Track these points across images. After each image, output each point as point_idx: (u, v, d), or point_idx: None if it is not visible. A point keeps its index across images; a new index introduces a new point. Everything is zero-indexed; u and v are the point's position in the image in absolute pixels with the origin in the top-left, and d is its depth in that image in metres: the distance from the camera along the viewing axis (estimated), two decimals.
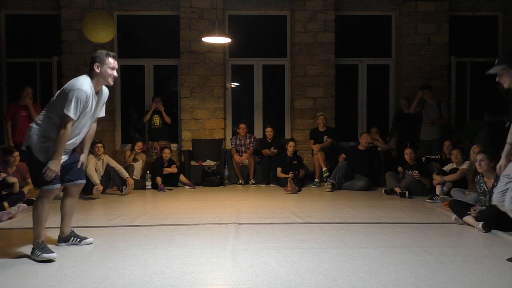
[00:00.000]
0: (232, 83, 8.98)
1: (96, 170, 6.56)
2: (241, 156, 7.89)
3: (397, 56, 8.80)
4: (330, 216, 5.01)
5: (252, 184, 7.78)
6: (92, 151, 6.69)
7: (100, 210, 5.63)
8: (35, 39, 8.74)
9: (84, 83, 3.33)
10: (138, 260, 3.35)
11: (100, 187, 6.39)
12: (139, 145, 7.46)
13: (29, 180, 5.97)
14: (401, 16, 8.58)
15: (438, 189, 6.08)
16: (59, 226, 3.80)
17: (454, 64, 8.33)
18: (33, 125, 3.42)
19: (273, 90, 9.05)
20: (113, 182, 6.82)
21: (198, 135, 8.51)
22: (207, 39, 7.37)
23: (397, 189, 6.49)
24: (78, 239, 3.80)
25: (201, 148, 8.36)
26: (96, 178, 6.40)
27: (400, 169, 6.80)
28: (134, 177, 7.23)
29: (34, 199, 5.76)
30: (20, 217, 5.01)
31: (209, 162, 8.04)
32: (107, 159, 6.84)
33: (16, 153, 5.84)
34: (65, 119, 3.28)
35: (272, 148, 7.91)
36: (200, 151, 8.33)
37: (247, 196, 6.79)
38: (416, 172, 6.45)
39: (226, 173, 7.77)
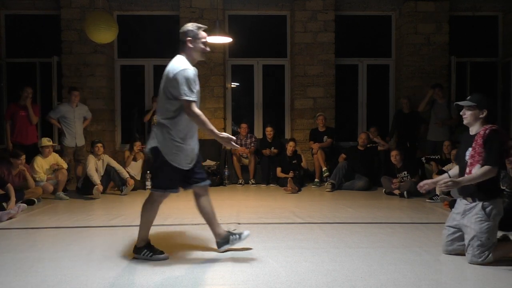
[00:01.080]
0: (232, 83, 8.98)
1: (96, 170, 6.56)
2: (241, 155, 7.87)
3: (397, 56, 8.80)
4: (330, 216, 5.01)
5: (252, 184, 7.77)
6: (92, 151, 6.72)
7: (100, 210, 5.64)
8: (35, 39, 8.74)
9: (183, 63, 3.20)
10: (138, 260, 3.35)
11: (100, 187, 6.39)
12: (137, 145, 7.44)
13: (31, 182, 5.97)
14: (401, 16, 8.58)
15: (438, 189, 6.06)
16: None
17: (454, 64, 8.32)
18: (157, 127, 3.30)
19: (273, 90, 9.05)
20: (113, 182, 6.83)
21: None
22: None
23: (396, 191, 6.48)
24: (237, 236, 3.54)
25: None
26: (96, 178, 6.40)
27: (394, 183, 6.56)
28: (134, 176, 7.22)
29: (34, 199, 5.84)
30: (20, 217, 5.01)
31: (209, 162, 8.03)
32: (107, 159, 6.84)
33: (23, 157, 5.87)
34: (186, 104, 3.13)
35: (272, 148, 7.91)
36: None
37: (247, 196, 6.79)
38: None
39: (226, 173, 7.77)
